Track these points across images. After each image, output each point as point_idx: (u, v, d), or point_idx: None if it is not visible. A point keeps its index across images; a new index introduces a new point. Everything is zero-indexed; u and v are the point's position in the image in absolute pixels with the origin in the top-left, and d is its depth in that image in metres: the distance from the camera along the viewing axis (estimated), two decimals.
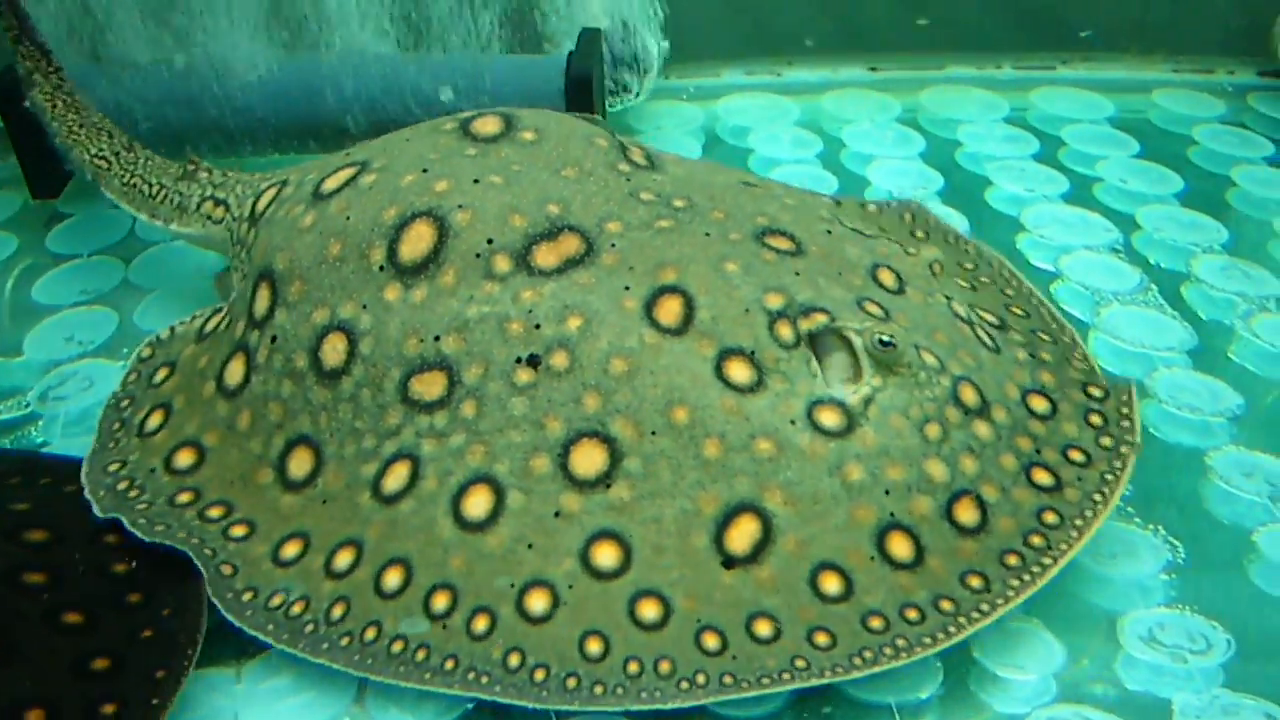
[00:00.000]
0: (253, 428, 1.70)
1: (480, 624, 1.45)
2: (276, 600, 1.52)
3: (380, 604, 1.49)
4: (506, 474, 1.52)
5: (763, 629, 1.42)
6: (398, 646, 1.46)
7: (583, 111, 2.57)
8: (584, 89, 2.57)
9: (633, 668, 1.41)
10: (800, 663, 1.41)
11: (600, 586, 1.46)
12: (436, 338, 1.58)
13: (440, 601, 1.48)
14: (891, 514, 1.49)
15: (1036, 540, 1.49)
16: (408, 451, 1.56)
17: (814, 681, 1.39)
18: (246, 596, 1.53)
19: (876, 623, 1.43)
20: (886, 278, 1.64)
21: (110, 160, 2.17)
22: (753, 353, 1.53)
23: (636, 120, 2.95)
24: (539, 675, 1.41)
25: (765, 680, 1.39)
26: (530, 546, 1.49)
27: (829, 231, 1.69)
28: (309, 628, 1.50)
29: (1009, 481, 1.53)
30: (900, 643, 1.42)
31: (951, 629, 1.43)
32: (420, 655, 1.45)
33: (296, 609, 1.51)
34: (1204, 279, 2.35)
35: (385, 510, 1.55)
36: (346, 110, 2.62)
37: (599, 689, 1.39)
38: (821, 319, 1.54)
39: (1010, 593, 1.46)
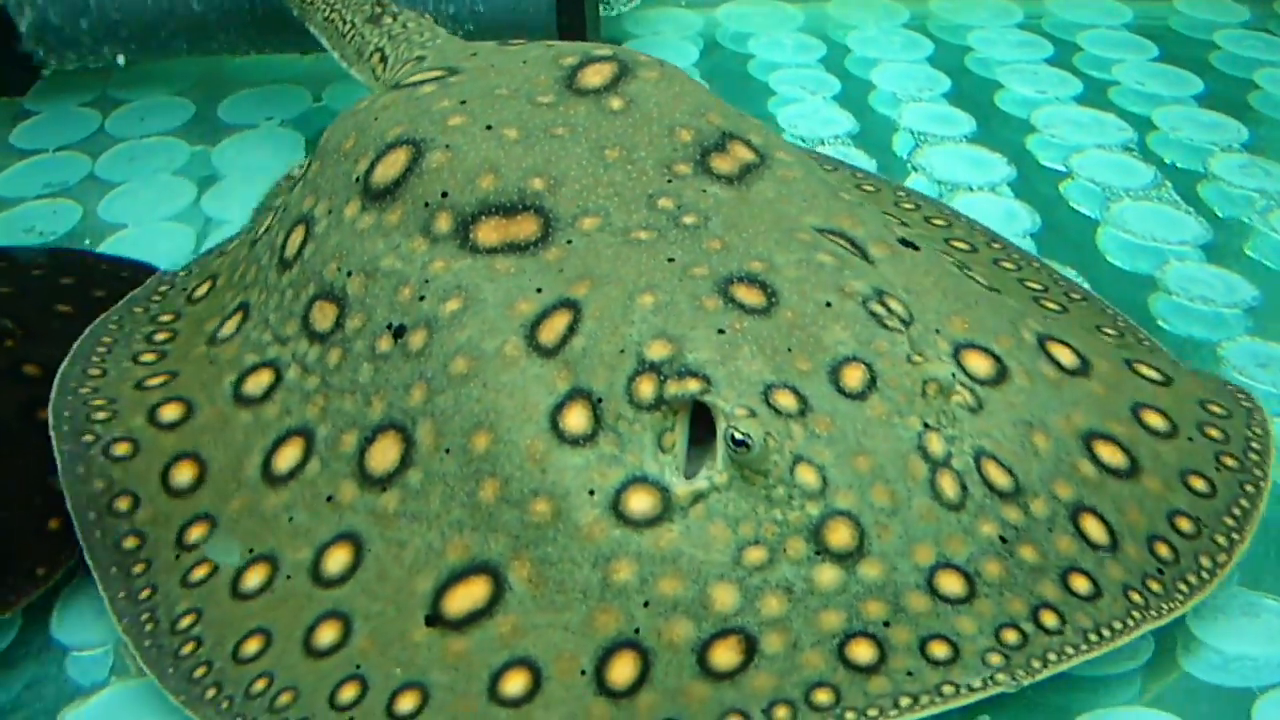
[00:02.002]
0: (229, 281, 1.73)
1: (199, 572, 1.39)
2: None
3: (167, 501, 1.46)
4: (321, 438, 1.45)
5: (405, 704, 1.25)
6: (130, 542, 1.43)
7: (571, 14, 2.48)
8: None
9: (259, 684, 1.28)
10: None
11: (309, 590, 1.35)
12: (349, 273, 1.52)
13: (196, 532, 1.43)
14: (636, 630, 1.26)
15: (780, 712, 1.22)
16: (277, 364, 1.54)
17: None
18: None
19: None
20: (851, 376, 1.34)
21: None
22: (599, 400, 1.33)
23: (634, 26, 2.85)
24: (188, 648, 1.33)
25: None
26: (291, 520, 1.41)
27: (829, 304, 1.39)
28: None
29: (810, 638, 1.24)
30: None
31: None
32: (139, 570, 1.41)
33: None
34: (1222, 176, 2.24)
35: (233, 405, 1.53)
36: None
37: (211, 692, 1.29)
38: (694, 386, 1.31)
39: None
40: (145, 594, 1.38)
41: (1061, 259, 2.00)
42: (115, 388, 1.59)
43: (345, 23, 2.08)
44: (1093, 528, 1.36)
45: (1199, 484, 1.45)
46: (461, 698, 1.25)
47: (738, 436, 1.28)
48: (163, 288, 1.81)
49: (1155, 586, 1.34)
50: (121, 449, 1.50)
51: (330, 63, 2.63)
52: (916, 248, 1.57)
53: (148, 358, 1.65)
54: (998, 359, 1.44)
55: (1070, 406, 1.46)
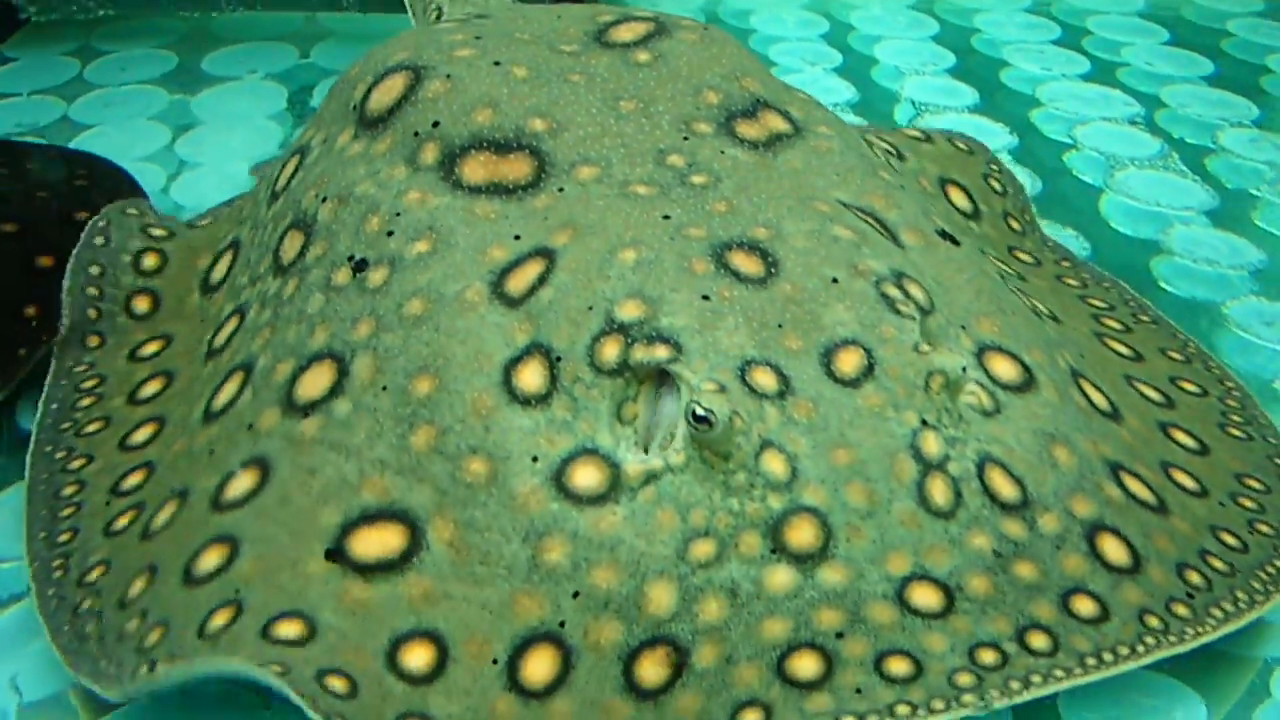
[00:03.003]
0: (230, 215, 1.67)
1: (122, 521, 1.30)
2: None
3: (117, 454, 1.38)
4: (259, 370, 1.34)
5: (286, 629, 1.13)
6: (69, 490, 1.35)
7: None
8: None
9: (132, 625, 1.17)
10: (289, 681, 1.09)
11: (204, 516, 1.24)
12: (324, 199, 1.41)
13: (133, 479, 1.34)
14: (561, 623, 1.13)
15: None
16: (243, 308, 1.45)
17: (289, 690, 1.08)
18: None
19: None
20: (847, 361, 1.20)
21: None
22: (558, 359, 1.21)
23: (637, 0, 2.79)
24: (87, 603, 1.22)
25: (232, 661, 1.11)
26: (212, 453, 1.30)
27: (835, 280, 1.26)
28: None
29: (748, 650, 1.11)
30: None
31: None
32: (67, 514, 1.33)
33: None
34: (1231, 149, 2.18)
35: (202, 364, 1.45)
36: None
37: (94, 648, 1.17)
38: (662, 353, 1.18)
39: None
40: (64, 537, 1.29)
41: (1062, 222, 1.93)
42: (109, 361, 1.51)
43: None
44: (1111, 548, 1.21)
45: (1231, 539, 1.30)
46: (356, 650, 1.12)
47: (699, 411, 1.14)
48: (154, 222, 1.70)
49: (1181, 610, 1.19)
50: (93, 427, 1.42)
51: (323, 23, 2.59)
52: (957, 242, 1.42)
53: (141, 305, 1.56)
54: (1026, 368, 1.29)
55: (1098, 436, 1.31)
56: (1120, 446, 1.33)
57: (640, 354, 1.19)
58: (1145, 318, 1.64)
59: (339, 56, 2.49)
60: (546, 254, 1.27)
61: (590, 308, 1.22)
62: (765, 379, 1.18)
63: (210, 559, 1.19)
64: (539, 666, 1.12)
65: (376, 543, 1.18)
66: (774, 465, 1.15)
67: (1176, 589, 1.21)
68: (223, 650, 1.10)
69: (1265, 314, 1.74)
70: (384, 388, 1.24)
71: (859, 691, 1.09)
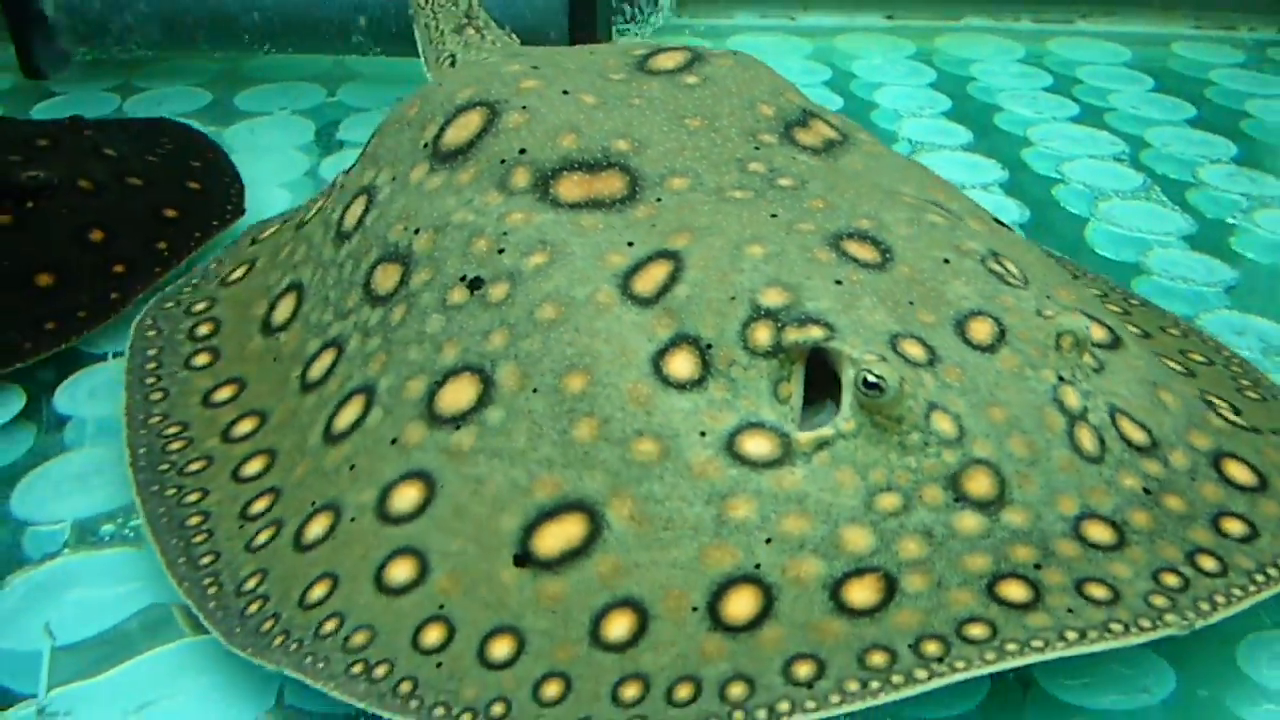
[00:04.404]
0: (272, 262, 1.70)
1: (263, 536, 1.34)
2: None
3: (234, 486, 1.42)
4: (384, 389, 1.38)
5: (499, 650, 1.18)
6: (194, 520, 1.40)
7: (583, 28, 2.55)
8: (587, 4, 2.54)
9: (329, 625, 1.22)
10: (499, 708, 1.14)
11: (375, 529, 1.28)
12: (416, 230, 1.47)
13: (261, 504, 1.38)
14: (757, 565, 1.18)
15: (931, 647, 1.14)
16: (339, 341, 1.48)
17: None
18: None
19: (632, 691, 1.14)
20: (979, 329, 1.29)
21: (426, 1, 2.16)
22: (708, 346, 1.28)
23: None
24: (254, 606, 1.27)
25: (444, 715, 1.15)
26: (353, 468, 1.34)
27: (947, 261, 1.35)
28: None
29: (955, 578, 1.17)
30: None
31: (736, 718, 1.11)
32: (200, 540, 1.36)
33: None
34: (1209, 183, 2.30)
35: (300, 396, 1.48)
36: (359, 11, 2.60)
37: (279, 639, 1.23)
38: (816, 333, 1.25)
39: (851, 697, 1.11)
40: (207, 560, 1.33)
41: (1049, 247, 2.02)
42: (183, 409, 1.55)
43: (436, 29, 2.10)
44: (1237, 471, 1.32)
45: None
46: (561, 644, 1.17)
47: (871, 379, 1.21)
48: (193, 279, 1.78)
49: None
50: (196, 465, 1.46)
51: (348, 65, 2.73)
52: (1010, 229, 1.56)
53: (201, 360, 1.61)
54: (1109, 328, 1.41)
55: (1181, 381, 1.44)
56: (1203, 383, 1.47)
57: (794, 335, 1.26)
58: (1135, 302, 1.77)
59: (364, 96, 2.62)
60: (670, 256, 1.35)
61: (732, 298, 1.29)
62: (914, 349, 1.26)
63: (401, 571, 1.24)
64: (741, 604, 1.17)
65: (559, 536, 1.22)
66: (943, 424, 1.23)
67: None
68: (445, 674, 1.16)
69: (1236, 325, 1.84)
70: (535, 390, 1.29)
71: (1071, 611, 1.15)
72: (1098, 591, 1.17)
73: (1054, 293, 1.39)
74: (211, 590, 1.30)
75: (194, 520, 1.38)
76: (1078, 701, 1.29)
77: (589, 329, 1.30)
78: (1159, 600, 1.18)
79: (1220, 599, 1.19)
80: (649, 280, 1.33)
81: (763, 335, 1.27)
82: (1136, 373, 1.37)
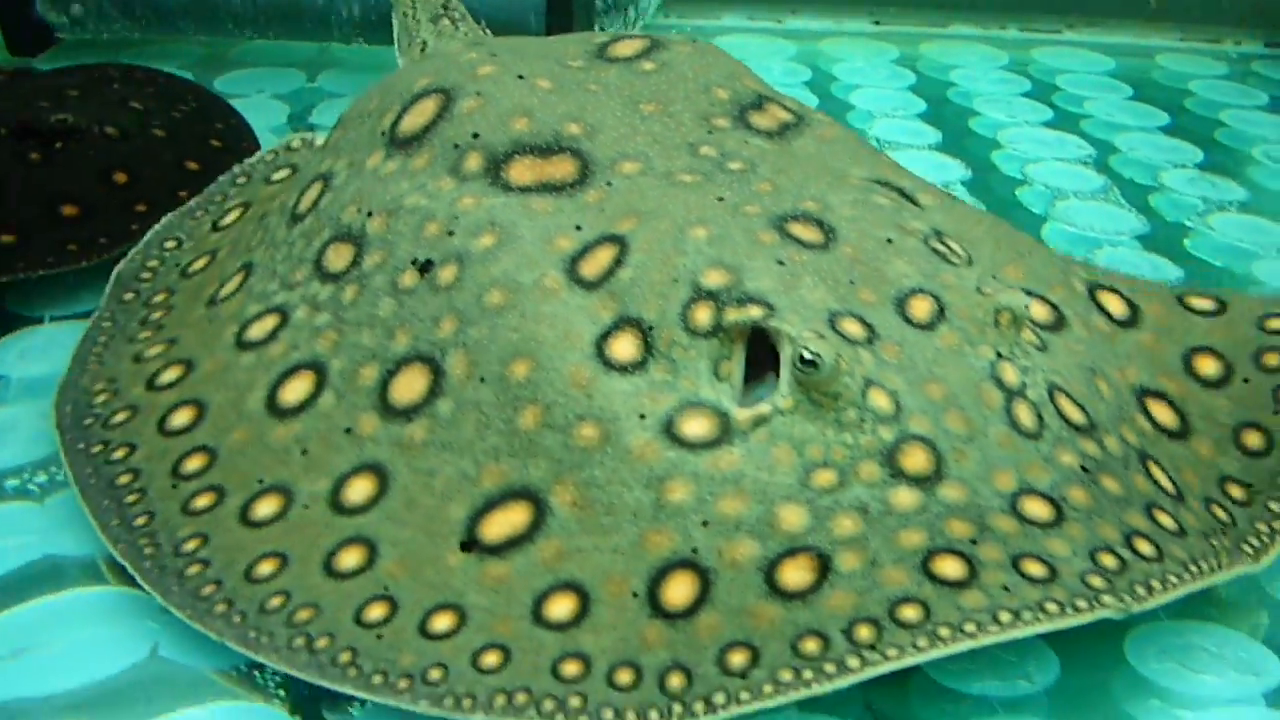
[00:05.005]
0: (227, 255, 1.72)
1: (202, 501, 1.35)
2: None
3: (162, 440, 1.43)
4: (336, 372, 1.40)
5: (440, 624, 1.20)
6: (124, 479, 1.40)
7: (560, 22, 2.57)
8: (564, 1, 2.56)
9: (275, 601, 1.23)
10: (448, 689, 1.16)
11: (328, 518, 1.30)
12: (370, 213, 1.49)
13: (193, 463, 1.39)
14: (694, 549, 1.20)
15: (863, 632, 1.14)
16: (284, 308, 1.50)
17: (452, 714, 1.14)
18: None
19: (572, 669, 1.16)
20: (919, 307, 1.30)
21: None
22: (650, 328, 1.30)
23: None
24: (193, 569, 1.28)
25: (382, 683, 1.16)
26: (304, 453, 1.36)
27: (890, 240, 1.36)
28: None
29: (889, 555, 1.18)
30: (596, 710, 1.13)
31: (677, 712, 1.12)
32: (132, 500, 1.37)
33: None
34: (1171, 186, 2.31)
35: (235, 352, 1.49)
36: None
37: (222, 607, 1.24)
38: (756, 313, 1.27)
39: (784, 688, 1.12)
40: (141, 521, 1.34)
41: None
42: (114, 367, 1.56)
43: (414, 19, 2.11)
44: (1160, 475, 1.33)
45: (1253, 440, 1.42)
46: (502, 620, 1.20)
47: (807, 355, 1.22)
48: (150, 263, 1.77)
49: (1223, 542, 1.29)
50: (120, 416, 1.47)
51: (331, 53, 2.75)
52: (966, 205, 1.56)
53: (144, 335, 1.62)
54: (1054, 306, 1.41)
55: (1124, 360, 1.44)
56: (1145, 360, 1.46)
57: (734, 315, 1.28)
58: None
59: (343, 82, 2.65)
60: (615, 240, 1.36)
61: (675, 280, 1.31)
62: (853, 328, 1.27)
63: (351, 558, 1.26)
64: (679, 589, 1.19)
65: (504, 523, 1.25)
66: (879, 400, 1.24)
67: (1213, 522, 1.31)
68: (385, 645, 1.18)
69: None
70: (481, 379, 1.31)
71: (1007, 589, 1.15)
72: (1034, 569, 1.17)
73: (1000, 271, 1.41)
74: (148, 550, 1.31)
75: (124, 479, 1.40)
76: (957, 686, 1.29)
77: (534, 314, 1.32)
78: (1096, 581, 1.17)
79: (1156, 584, 1.18)
80: (594, 264, 1.35)
81: (703, 315, 1.29)
82: (1076, 357, 1.37)
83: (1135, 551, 1.20)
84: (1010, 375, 1.28)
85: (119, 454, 1.42)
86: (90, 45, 2.72)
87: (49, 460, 1.53)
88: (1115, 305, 1.51)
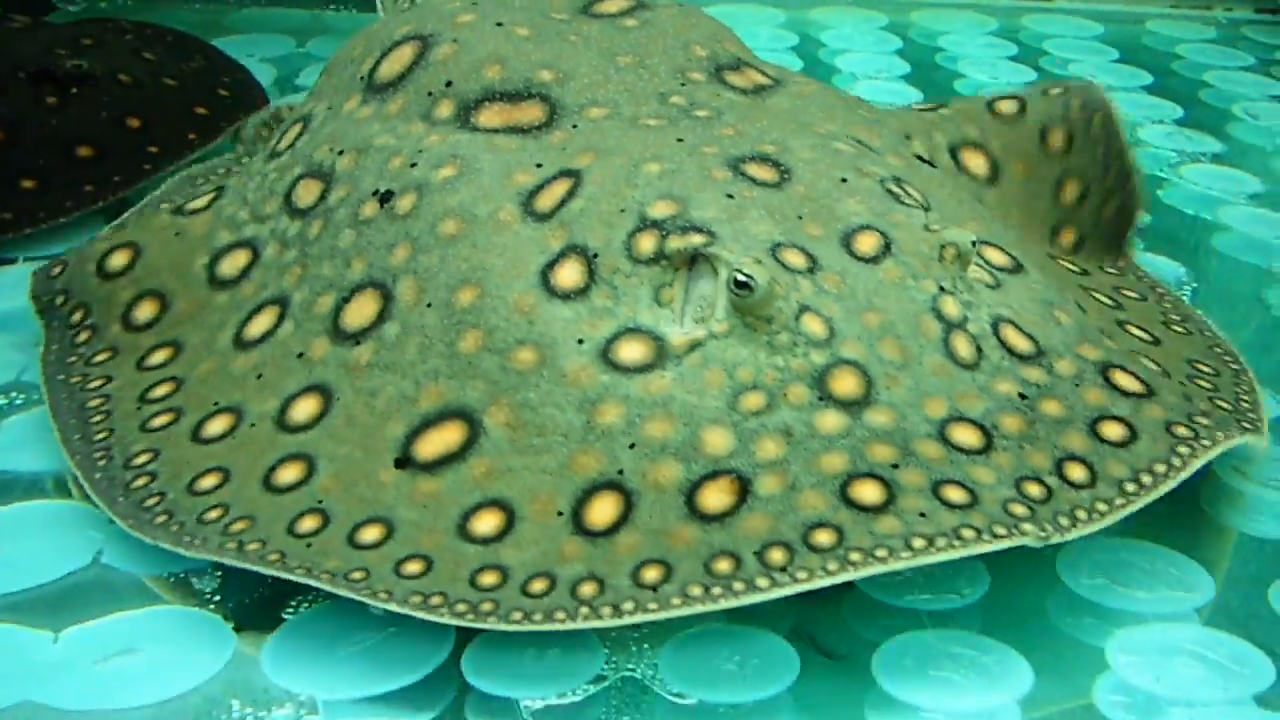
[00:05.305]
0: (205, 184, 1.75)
1: (159, 420, 1.39)
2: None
3: (136, 374, 1.48)
4: (297, 304, 1.43)
5: (368, 535, 1.23)
6: (94, 403, 1.44)
7: None
8: None
9: (213, 513, 1.27)
10: (367, 585, 1.19)
11: (272, 436, 1.34)
12: (340, 152, 1.51)
13: (160, 390, 1.44)
14: (620, 471, 1.22)
15: (775, 555, 1.15)
16: (254, 243, 1.53)
17: (369, 601, 1.18)
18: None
19: (490, 579, 1.18)
20: (865, 242, 1.31)
21: None
22: (595, 255, 1.32)
23: None
24: (140, 481, 1.33)
25: (304, 574, 1.20)
26: (260, 377, 1.40)
27: (844, 180, 1.38)
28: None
29: (809, 479, 1.19)
30: (506, 613, 1.16)
31: (584, 614, 1.15)
32: (97, 420, 1.41)
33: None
34: (1147, 140, 2.31)
35: (209, 290, 1.52)
36: None
37: (162, 518, 1.28)
38: (697, 240, 1.29)
39: (691, 600, 1.14)
40: (101, 435, 1.39)
41: None
42: (84, 293, 1.57)
43: None
44: (1125, 380, 1.33)
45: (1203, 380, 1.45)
46: (428, 533, 1.22)
47: (740, 278, 1.24)
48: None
49: (1203, 421, 1.31)
50: (102, 356, 1.51)
51: (325, 20, 2.79)
52: (933, 165, 1.58)
53: (109, 237, 1.62)
54: (1013, 257, 1.43)
55: (1086, 309, 1.46)
56: (1101, 323, 1.46)
57: (676, 243, 1.30)
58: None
59: (331, 47, 2.65)
60: (571, 174, 1.39)
61: (622, 210, 1.33)
62: (794, 258, 1.29)
63: (289, 473, 1.30)
64: (602, 509, 1.21)
65: (439, 442, 1.28)
66: (813, 325, 1.25)
67: (1191, 406, 1.34)
68: (314, 551, 1.21)
69: (1145, 263, 1.82)
70: (429, 305, 1.34)
71: (923, 515, 1.16)
72: (955, 495, 1.18)
73: (961, 222, 1.42)
74: (101, 462, 1.36)
75: (94, 403, 1.44)
76: (887, 599, 1.31)
77: (485, 244, 1.35)
78: (1018, 509, 1.17)
79: (1082, 514, 1.19)
80: (549, 198, 1.37)
81: (647, 244, 1.31)
82: (1032, 292, 1.38)
83: (1065, 479, 1.21)
84: (951, 308, 1.29)
85: (95, 384, 1.47)
86: (88, 14, 2.76)
87: (9, 386, 1.59)
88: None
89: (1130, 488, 1.23)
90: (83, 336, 1.53)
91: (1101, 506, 1.20)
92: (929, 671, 1.23)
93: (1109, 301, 1.59)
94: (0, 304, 1.74)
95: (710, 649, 1.24)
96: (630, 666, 1.23)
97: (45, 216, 1.84)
